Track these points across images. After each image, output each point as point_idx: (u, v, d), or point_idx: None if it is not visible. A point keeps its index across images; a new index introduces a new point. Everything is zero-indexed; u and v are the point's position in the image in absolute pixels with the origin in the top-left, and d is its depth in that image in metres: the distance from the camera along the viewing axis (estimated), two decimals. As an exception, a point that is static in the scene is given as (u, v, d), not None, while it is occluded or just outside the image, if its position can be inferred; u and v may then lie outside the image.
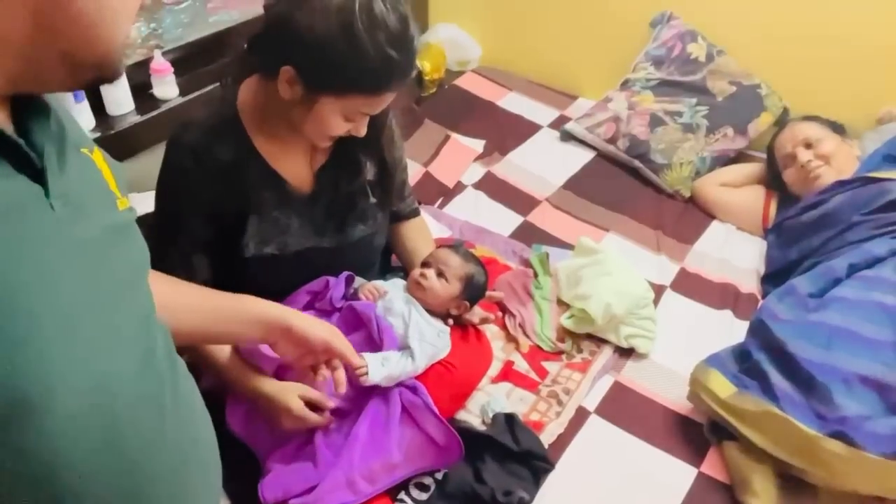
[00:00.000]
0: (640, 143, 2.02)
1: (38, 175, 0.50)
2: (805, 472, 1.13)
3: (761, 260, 1.77)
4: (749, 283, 1.70)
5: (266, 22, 1.01)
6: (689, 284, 1.67)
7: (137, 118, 1.52)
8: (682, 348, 1.44)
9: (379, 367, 1.06)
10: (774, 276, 1.67)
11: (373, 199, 1.19)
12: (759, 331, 1.28)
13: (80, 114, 1.41)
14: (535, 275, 1.58)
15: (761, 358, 1.22)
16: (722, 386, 1.22)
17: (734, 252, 1.80)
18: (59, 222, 0.50)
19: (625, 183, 2.02)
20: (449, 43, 2.48)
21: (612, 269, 1.51)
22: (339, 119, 1.02)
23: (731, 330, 1.50)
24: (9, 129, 0.49)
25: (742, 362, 1.27)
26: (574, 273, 1.54)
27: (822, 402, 1.12)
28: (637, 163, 2.02)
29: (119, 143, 1.47)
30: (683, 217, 1.92)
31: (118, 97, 1.48)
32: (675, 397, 1.34)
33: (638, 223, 1.86)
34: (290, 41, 0.96)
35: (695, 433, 1.28)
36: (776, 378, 1.17)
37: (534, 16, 2.38)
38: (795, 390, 1.15)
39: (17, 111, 0.51)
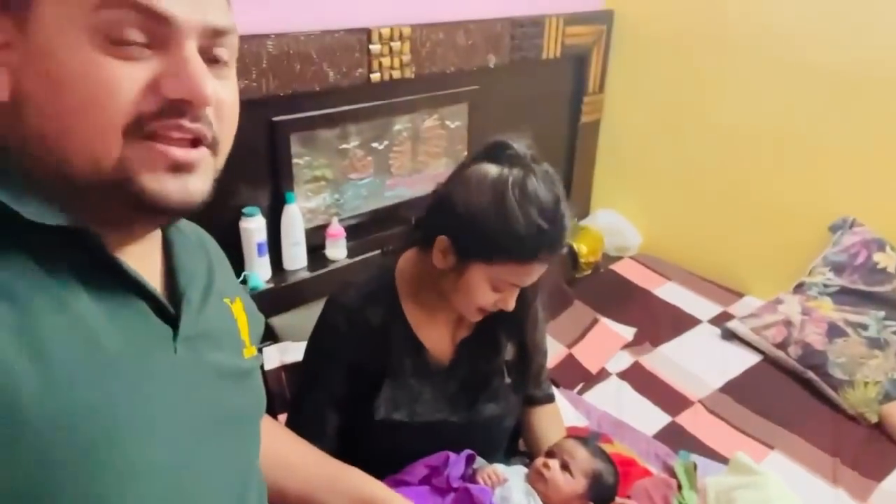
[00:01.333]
0: (816, 354, 1.81)
1: (170, 318, 0.53)
2: None
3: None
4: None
5: (432, 200, 1.10)
6: (875, 532, 1.38)
7: (308, 274, 1.69)
8: None
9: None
10: None
11: (508, 380, 1.17)
12: None
13: (261, 266, 1.59)
14: (679, 487, 1.40)
15: None
16: None
17: (937, 500, 1.48)
18: (178, 366, 0.53)
19: (796, 396, 1.79)
20: (608, 229, 2.51)
21: (774, 497, 1.30)
22: (487, 288, 1.03)
23: None
24: (156, 273, 0.54)
25: None
26: (726, 493, 1.35)
27: None
28: (811, 374, 1.80)
29: (289, 294, 1.63)
30: (869, 446, 1.64)
31: (295, 254, 1.67)
32: None
33: (810, 445, 1.62)
34: (448, 213, 1.03)
35: None
36: None
37: (697, 208, 2.36)
38: None
39: (168, 248, 0.56)
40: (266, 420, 0.82)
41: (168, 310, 0.54)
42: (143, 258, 0.54)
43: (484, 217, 0.99)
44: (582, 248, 2.39)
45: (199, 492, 0.54)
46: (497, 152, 1.02)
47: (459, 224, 1.01)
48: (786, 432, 1.65)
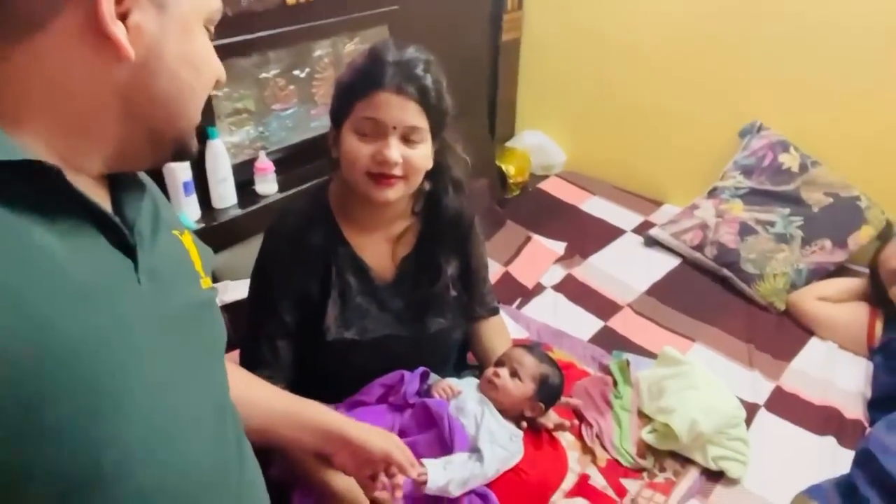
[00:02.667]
0: (730, 252, 1.95)
1: (129, 250, 0.53)
2: None
3: (867, 383, 1.62)
4: (854, 408, 1.55)
5: None
6: (786, 405, 1.54)
7: (239, 211, 1.64)
8: (779, 476, 1.31)
9: (440, 472, 1.02)
10: (882, 402, 1.52)
11: (453, 293, 1.21)
12: (867, 463, 1.15)
13: (189, 206, 1.53)
14: (615, 383, 1.51)
15: (871, 495, 1.09)
16: (826, 524, 1.09)
17: (837, 373, 1.66)
18: (145, 298, 0.53)
19: (713, 292, 1.94)
20: (534, 148, 2.56)
21: (699, 383, 1.42)
22: (354, 140, 1.04)
23: (835, 459, 1.36)
24: (107, 206, 0.54)
25: (847, 497, 1.14)
26: (657, 384, 1.46)
27: None
28: (726, 272, 1.95)
29: (221, 234, 1.58)
30: (778, 331, 1.81)
31: (223, 192, 1.61)
32: (772, 531, 1.21)
33: (728, 335, 1.77)
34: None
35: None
36: None
37: (618, 123, 2.43)
38: None
39: (114, 189, 0.56)
40: None
41: (127, 240, 0.53)
42: (92, 192, 0.52)
43: (338, 82, 1.07)
44: (510, 168, 2.43)
45: (180, 423, 0.54)
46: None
47: (332, 104, 1.09)
48: (706, 325, 1.80)
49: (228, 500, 0.60)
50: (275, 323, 1.12)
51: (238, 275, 1.45)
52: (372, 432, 0.94)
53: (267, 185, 1.69)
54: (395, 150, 1.02)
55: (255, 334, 1.12)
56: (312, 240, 1.11)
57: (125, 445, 0.47)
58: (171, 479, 0.52)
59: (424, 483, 1.00)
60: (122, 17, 0.48)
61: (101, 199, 0.54)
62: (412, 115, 1.03)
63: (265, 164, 1.67)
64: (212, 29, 0.57)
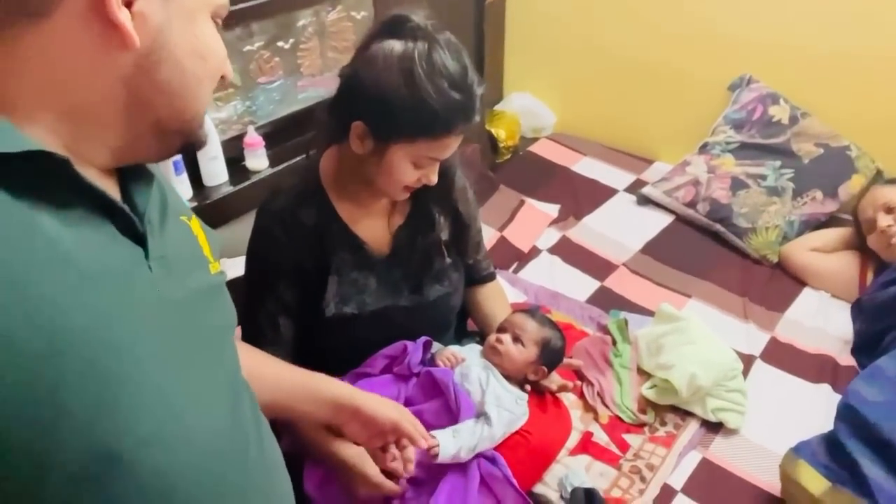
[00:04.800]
0: (722, 207, 1.97)
1: (139, 238, 0.53)
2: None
3: (858, 330, 1.66)
4: (848, 356, 1.59)
5: (339, 86, 1.07)
6: (781, 355, 1.57)
7: (231, 189, 1.62)
8: (777, 425, 1.35)
9: (450, 441, 1.04)
10: (861, 349, 1.56)
11: (448, 259, 1.21)
12: (850, 417, 1.16)
13: (180, 185, 1.52)
14: (614, 342, 1.54)
15: (853, 446, 1.11)
16: (814, 480, 1.12)
17: (830, 321, 1.69)
18: (156, 283, 0.53)
19: (706, 248, 1.96)
20: (523, 111, 2.54)
21: (696, 338, 1.45)
22: (408, 166, 1.04)
23: (830, 406, 1.38)
24: (116, 196, 0.54)
25: (833, 451, 1.15)
26: (655, 341, 1.49)
27: None
28: (719, 227, 1.97)
29: (214, 212, 1.57)
30: (772, 283, 1.84)
31: (214, 169, 1.59)
32: (771, 478, 1.24)
33: (722, 289, 1.79)
34: (359, 97, 1.01)
35: (794, 519, 1.18)
36: (870, 470, 1.07)
37: (607, 82, 2.41)
38: (893, 482, 1.04)
39: (122, 179, 0.56)
40: None
41: (137, 228, 0.53)
42: (101, 182, 0.52)
43: (395, 96, 0.97)
44: (500, 132, 2.41)
45: (195, 403, 0.54)
46: (398, 27, 1.00)
47: (372, 106, 1.00)
48: (700, 281, 1.82)
49: (251, 476, 0.61)
50: (274, 301, 1.12)
51: (234, 252, 1.44)
52: (382, 403, 0.96)
53: (257, 160, 1.68)
54: (437, 175, 1.08)
55: (254, 312, 1.12)
56: (304, 218, 1.11)
57: (136, 428, 0.48)
58: (188, 456, 0.53)
59: (436, 455, 1.02)
60: (127, 5, 0.48)
61: (110, 188, 0.54)
62: None
63: (254, 140, 1.65)
64: (219, 22, 0.56)
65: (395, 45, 0.98)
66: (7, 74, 0.46)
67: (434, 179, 1.09)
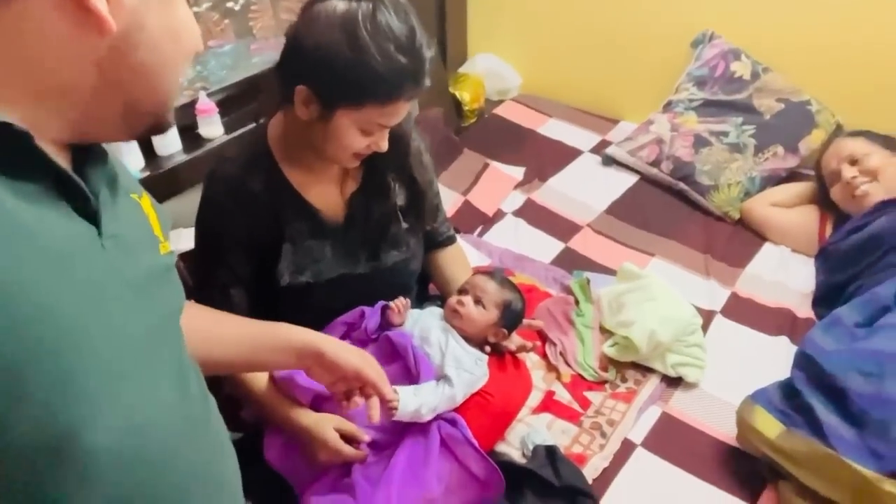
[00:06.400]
0: (685, 165, 1.97)
1: (92, 216, 0.52)
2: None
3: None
4: (806, 308, 1.61)
5: (283, 47, 1.02)
6: (741, 310, 1.60)
7: (184, 157, 1.58)
8: (736, 378, 1.38)
9: (410, 398, 1.04)
10: (821, 301, 1.59)
11: (405, 224, 1.19)
12: (805, 365, 1.19)
13: (130, 154, 1.47)
14: (577, 302, 1.55)
15: (808, 393, 1.14)
16: (769, 425, 1.15)
17: (790, 275, 1.72)
18: (109, 262, 0.53)
19: (670, 206, 1.97)
20: (488, 73, 2.50)
21: (657, 295, 1.46)
22: (356, 133, 1.01)
23: (788, 357, 1.41)
24: (71, 172, 0.52)
25: (789, 398, 1.18)
26: (616, 299, 1.50)
27: (878, 440, 1.04)
28: (682, 185, 1.97)
29: (167, 182, 1.53)
30: (733, 240, 1.85)
31: (166, 138, 1.54)
32: (729, 430, 1.27)
33: (685, 247, 1.81)
34: (301, 60, 0.97)
35: (749, 468, 1.21)
36: (825, 415, 1.09)
37: (572, 43, 2.37)
38: (848, 427, 1.07)
39: (75, 156, 0.54)
40: None
41: (91, 206, 0.52)
42: (57, 158, 0.50)
43: (338, 59, 0.93)
44: (464, 95, 2.38)
45: (147, 380, 0.54)
46: None
47: (315, 70, 0.96)
48: (664, 239, 1.83)
49: (201, 453, 0.62)
50: (225, 271, 1.10)
51: (190, 222, 1.41)
52: (345, 349, 0.94)
53: (212, 127, 1.63)
54: (387, 141, 1.05)
55: (205, 284, 1.10)
56: (253, 186, 1.07)
57: (94, 405, 0.48)
58: (141, 436, 0.53)
59: (395, 409, 1.02)
60: None
61: (65, 164, 0.52)
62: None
63: (207, 106, 1.60)
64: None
65: (339, 5, 0.94)
66: None
67: (384, 146, 1.05)
